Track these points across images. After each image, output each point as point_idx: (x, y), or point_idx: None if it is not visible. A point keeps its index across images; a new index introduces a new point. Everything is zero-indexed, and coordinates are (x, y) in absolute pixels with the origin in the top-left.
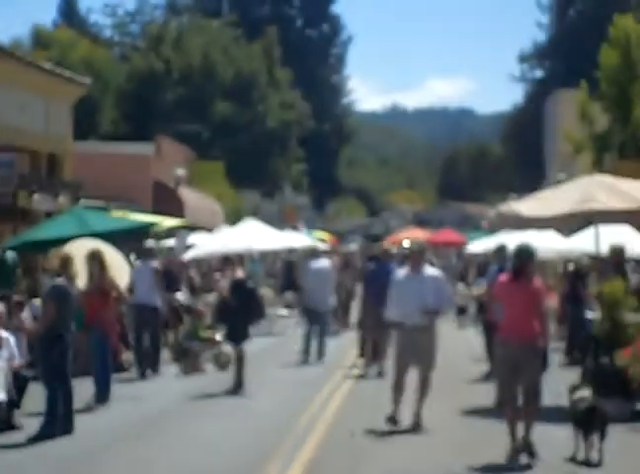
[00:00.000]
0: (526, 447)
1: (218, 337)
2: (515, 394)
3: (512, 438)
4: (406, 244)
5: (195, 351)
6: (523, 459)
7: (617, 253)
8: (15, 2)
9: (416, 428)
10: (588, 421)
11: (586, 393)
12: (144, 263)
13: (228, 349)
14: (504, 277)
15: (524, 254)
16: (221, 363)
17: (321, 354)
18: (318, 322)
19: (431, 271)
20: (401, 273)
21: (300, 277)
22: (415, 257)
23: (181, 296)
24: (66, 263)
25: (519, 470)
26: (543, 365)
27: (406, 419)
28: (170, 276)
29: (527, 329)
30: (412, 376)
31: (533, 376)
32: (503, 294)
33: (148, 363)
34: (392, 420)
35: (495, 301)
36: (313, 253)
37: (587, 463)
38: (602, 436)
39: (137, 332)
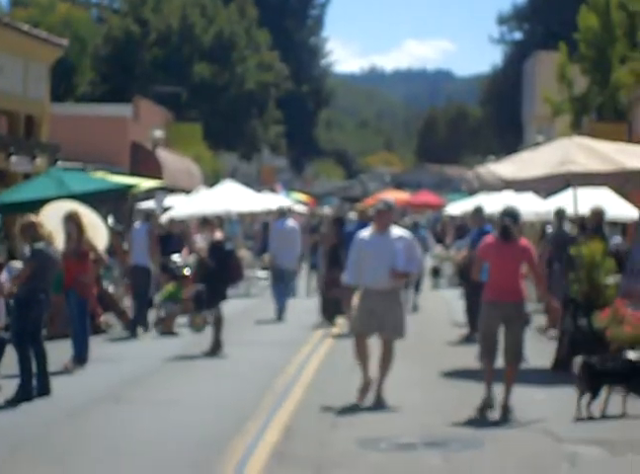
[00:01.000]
0: (505, 410)
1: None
2: (495, 351)
3: (487, 392)
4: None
5: (169, 312)
6: (494, 415)
7: (596, 214)
8: None
9: (379, 404)
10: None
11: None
12: (141, 224)
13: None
14: (490, 239)
15: (510, 216)
16: (196, 326)
17: (280, 312)
18: (282, 281)
19: (399, 231)
20: (365, 233)
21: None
22: (382, 216)
23: (177, 258)
24: (28, 228)
25: (492, 426)
26: (526, 321)
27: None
28: (170, 239)
29: (514, 288)
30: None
31: (517, 333)
32: (490, 255)
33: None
34: (364, 391)
35: (481, 262)
36: (280, 213)
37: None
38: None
39: (136, 292)
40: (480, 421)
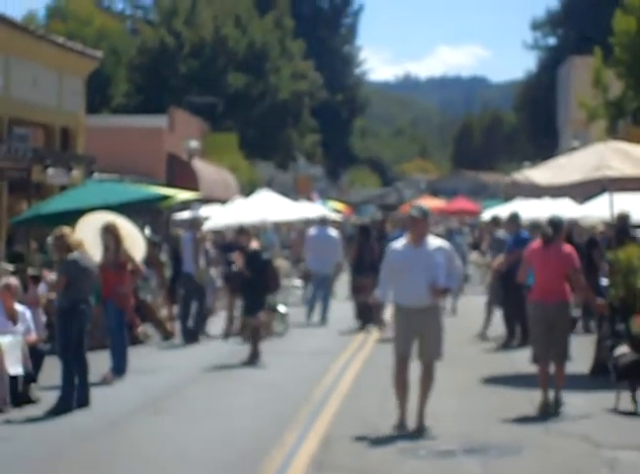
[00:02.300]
0: (556, 407)
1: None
2: (549, 351)
3: (543, 393)
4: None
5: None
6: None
7: (622, 219)
8: None
9: (421, 432)
10: (633, 374)
11: (625, 349)
12: (187, 233)
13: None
14: (537, 244)
15: (556, 223)
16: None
17: (323, 319)
18: (319, 287)
19: (437, 241)
20: (398, 244)
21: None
22: (417, 225)
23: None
24: (61, 239)
25: (531, 432)
26: (572, 321)
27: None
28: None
29: (560, 289)
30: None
31: (563, 333)
32: (536, 259)
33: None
34: (401, 427)
35: (527, 265)
36: (321, 221)
37: (634, 413)
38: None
39: (184, 300)
40: (519, 427)
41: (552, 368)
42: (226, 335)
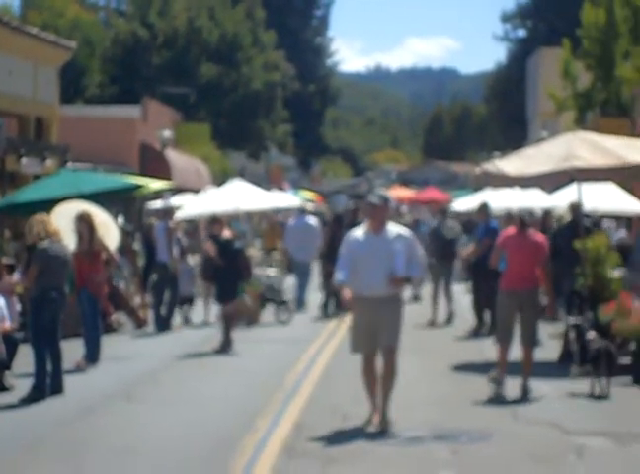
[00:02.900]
0: (525, 391)
1: None
2: (511, 336)
3: (499, 370)
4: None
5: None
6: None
7: (574, 209)
8: None
9: (385, 428)
10: (599, 360)
11: (592, 336)
12: (160, 223)
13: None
14: (510, 231)
15: (527, 214)
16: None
17: (300, 303)
18: (299, 274)
19: (397, 229)
20: (358, 232)
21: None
22: (377, 212)
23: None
24: (39, 228)
25: (500, 419)
26: (541, 310)
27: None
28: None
29: (531, 276)
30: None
31: (532, 319)
32: (510, 246)
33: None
34: (371, 423)
35: (499, 251)
36: (300, 211)
37: (601, 397)
38: (611, 373)
39: (157, 289)
40: (488, 414)
41: (521, 355)
42: (205, 322)
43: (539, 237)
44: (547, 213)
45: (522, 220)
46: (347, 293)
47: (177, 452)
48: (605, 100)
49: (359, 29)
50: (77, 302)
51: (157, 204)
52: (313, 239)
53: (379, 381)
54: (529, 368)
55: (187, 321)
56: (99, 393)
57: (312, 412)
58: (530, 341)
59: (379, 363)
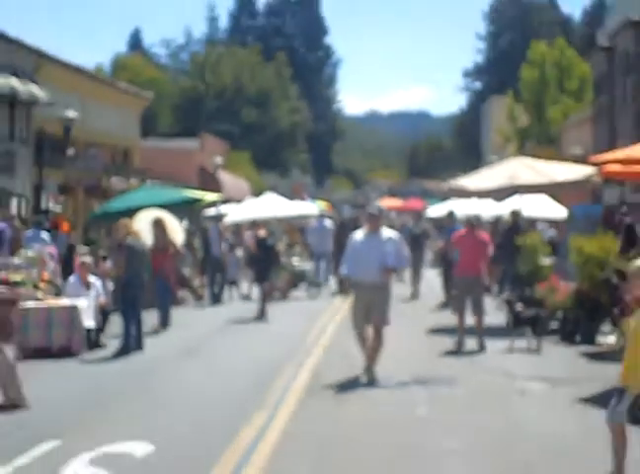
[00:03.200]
0: (481, 344)
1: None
2: (464, 308)
3: (460, 335)
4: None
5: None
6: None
7: (514, 215)
8: (93, 35)
9: (371, 383)
10: (533, 323)
11: (521, 306)
12: (213, 226)
13: None
14: (462, 231)
15: (474, 219)
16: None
17: (326, 279)
18: (320, 259)
19: (388, 232)
20: (359, 233)
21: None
22: (374, 219)
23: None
24: (126, 229)
25: (464, 368)
26: (485, 289)
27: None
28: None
29: (476, 266)
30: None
31: (479, 296)
32: (461, 243)
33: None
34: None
35: (454, 247)
36: (320, 215)
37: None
38: (541, 333)
39: (211, 273)
40: (454, 365)
41: (474, 322)
42: (245, 297)
43: (484, 236)
44: (497, 219)
45: (471, 223)
46: (348, 283)
47: (223, 389)
48: (539, 134)
49: (360, 81)
50: (154, 284)
51: (211, 212)
52: (329, 236)
53: (369, 345)
54: (481, 330)
55: (233, 297)
56: (169, 349)
57: (326, 362)
58: (479, 311)
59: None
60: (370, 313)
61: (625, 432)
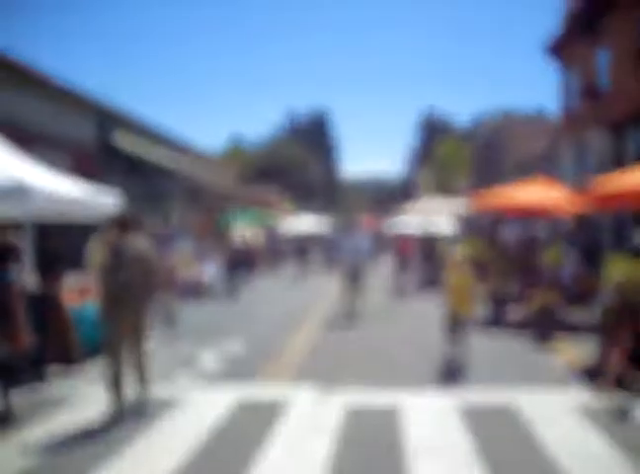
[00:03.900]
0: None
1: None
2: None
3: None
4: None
5: None
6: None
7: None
8: (213, 133)
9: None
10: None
11: None
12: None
13: None
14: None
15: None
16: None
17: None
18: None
19: (362, 233)
20: (346, 234)
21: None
22: (354, 224)
23: None
24: (230, 233)
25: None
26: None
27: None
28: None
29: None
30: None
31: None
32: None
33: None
34: (348, 314)
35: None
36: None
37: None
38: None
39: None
40: (396, 307)
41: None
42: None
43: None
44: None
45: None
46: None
47: (284, 315)
48: (444, 186)
49: (357, 151)
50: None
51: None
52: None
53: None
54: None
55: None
56: (255, 297)
57: (331, 309)
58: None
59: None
60: (356, 280)
61: None
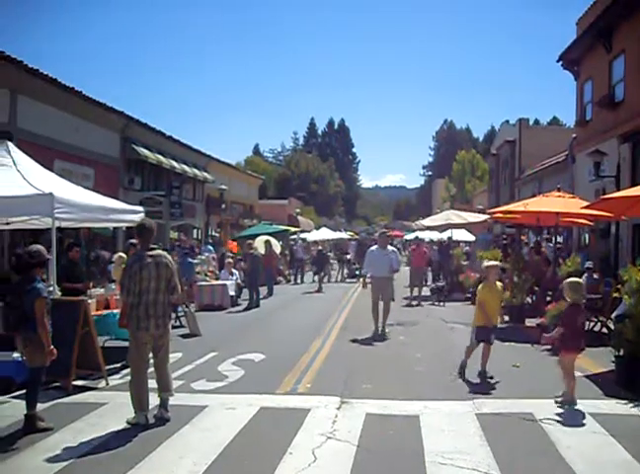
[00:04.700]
0: (419, 303)
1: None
2: (415, 284)
3: (413, 297)
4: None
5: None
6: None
7: (448, 239)
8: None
9: (383, 336)
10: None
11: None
12: (299, 245)
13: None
14: (414, 246)
15: (417, 239)
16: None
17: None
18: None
19: (391, 248)
20: (374, 247)
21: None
22: (383, 240)
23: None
24: (251, 246)
25: (421, 318)
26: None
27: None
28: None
29: (421, 263)
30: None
31: (423, 276)
32: (414, 251)
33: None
34: (375, 331)
35: (412, 255)
36: (351, 239)
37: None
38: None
39: (295, 268)
40: (416, 316)
41: (418, 292)
42: (314, 281)
43: (424, 248)
44: (439, 240)
45: (418, 242)
46: (366, 281)
47: (301, 324)
48: (461, 197)
49: (373, 167)
50: (264, 273)
51: (295, 236)
52: (354, 249)
53: (380, 314)
54: (420, 296)
55: (305, 280)
56: (273, 306)
57: (352, 316)
58: (420, 283)
59: (381, 306)
60: (382, 294)
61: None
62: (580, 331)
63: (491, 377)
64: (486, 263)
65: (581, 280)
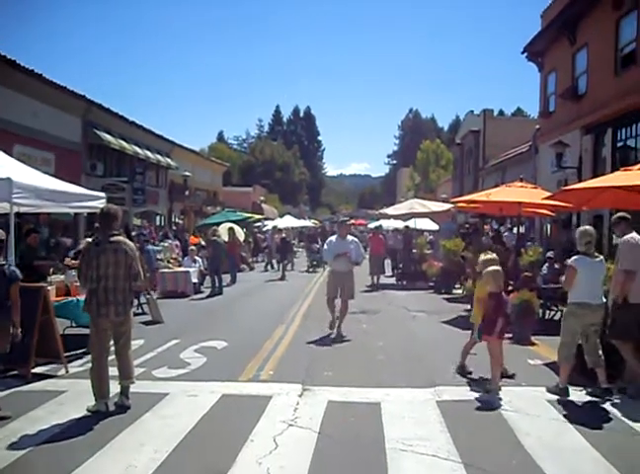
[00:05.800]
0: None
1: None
2: (375, 271)
3: (374, 283)
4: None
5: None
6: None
7: (407, 228)
8: (199, 131)
9: (340, 336)
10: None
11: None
12: (270, 233)
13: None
14: (372, 234)
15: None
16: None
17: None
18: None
19: (351, 237)
20: (334, 237)
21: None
22: (343, 228)
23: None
24: (214, 232)
25: (383, 306)
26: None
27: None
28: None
29: (380, 250)
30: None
31: (381, 264)
32: (372, 239)
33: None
34: (330, 325)
35: (370, 242)
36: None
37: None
38: (415, 286)
39: (257, 255)
40: (377, 305)
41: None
42: (277, 269)
43: (381, 237)
44: (403, 229)
45: (375, 230)
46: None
47: (264, 312)
48: (425, 187)
49: (334, 157)
50: (227, 260)
51: (260, 224)
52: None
53: (339, 313)
54: (378, 283)
55: (269, 268)
56: (236, 293)
57: (314, 303)
58: (379, 271)
59: (338, 303)
60: (341, 290)
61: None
62: (501, 318)
63: (470, 372)
64: (484, 266)
65: (500, 269)
